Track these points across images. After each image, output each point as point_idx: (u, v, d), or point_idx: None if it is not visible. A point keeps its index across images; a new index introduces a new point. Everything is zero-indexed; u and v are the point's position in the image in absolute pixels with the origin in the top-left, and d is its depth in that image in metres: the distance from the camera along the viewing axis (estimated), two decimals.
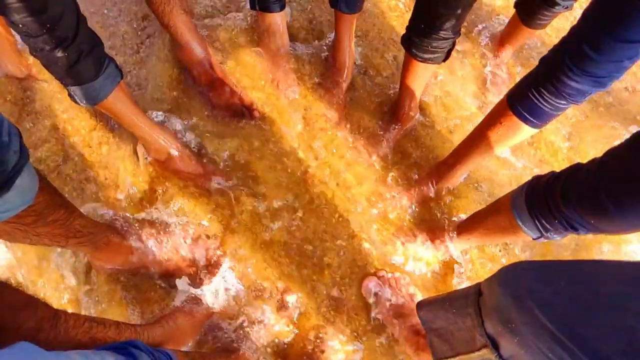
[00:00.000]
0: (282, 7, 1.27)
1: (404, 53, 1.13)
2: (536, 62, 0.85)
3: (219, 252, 1.16)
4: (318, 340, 1.10)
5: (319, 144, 1.32)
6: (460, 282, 1.20)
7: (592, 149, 1.41)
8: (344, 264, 1.19)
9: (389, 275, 1.16)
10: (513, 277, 0.65)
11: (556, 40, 0.80)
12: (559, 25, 1.59)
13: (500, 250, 1.25)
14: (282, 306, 1.11)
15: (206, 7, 1.44)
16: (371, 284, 1.14)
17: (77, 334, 0.66)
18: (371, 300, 1.13)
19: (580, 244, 1.29)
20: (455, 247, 1.14)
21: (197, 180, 1.20)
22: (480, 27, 1.54)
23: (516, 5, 1.28)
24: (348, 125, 1.34)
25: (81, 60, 0.87)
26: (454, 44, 1.06)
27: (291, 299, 1.13)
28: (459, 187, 1.29)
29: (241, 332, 1.08)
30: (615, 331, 0.49)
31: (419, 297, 1.15)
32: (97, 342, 0.68)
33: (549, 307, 0.56)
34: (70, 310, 0.70)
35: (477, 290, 0.76)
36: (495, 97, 1.42)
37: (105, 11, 1.41)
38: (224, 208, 1.21)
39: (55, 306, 0.68)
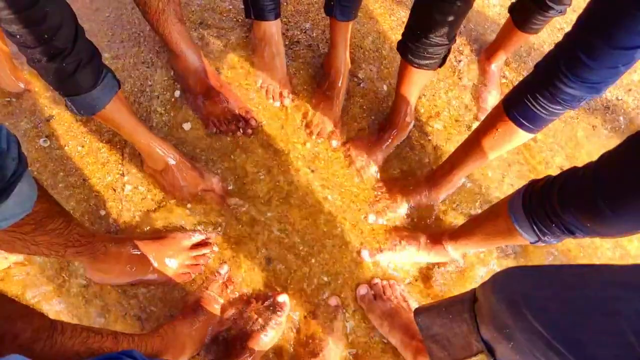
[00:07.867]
0: (277, 16, 1.28)
1: (400, 60, 1.14)
2: (530, 68, 0.85)
3: (217, 260, 1.16)
4: (315, 347, 1.10)
5: (315, 152, 1.32)
6: (456, 287, 1.19)
7: (587, 153, 1.41)
8: (340, 272, 1.19)
9: (384, 282, 1.16)
10: (507, 282, 0.65)
11: (550, 46, 0.80)
12: (554, 30, 1.60)
13: (495, 255, 1.25)
14: (279, 313, 1.11)
15: (201, 15, 1.45)
16: (365, 291, 1.14)
17: (74, 344, 0.66)
18: (366, 307, 1.13)
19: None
20: (452, 252, 1.14)
21: (194, 189, 1.20)
22: (475, 33, 1.55)
23: (510, 10, 1.29)
24: (344, 133, 1.35)
25: (79, 70, 0.87)
26: (449, 50, 1.06)
27: (288, 306, 1.13)
28: (455, 193, 1.29)
29: (241, 338, 1.08)
30: (608, 336, 0.49)
31: (414, 303, 1.15)
32: (94, 352, 0.68)
33: (543, 313, 0.56)
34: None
35: (472, 296, 0.76)
36: (490, 102, 1.42)
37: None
38: (220, 216, 1.21)
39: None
